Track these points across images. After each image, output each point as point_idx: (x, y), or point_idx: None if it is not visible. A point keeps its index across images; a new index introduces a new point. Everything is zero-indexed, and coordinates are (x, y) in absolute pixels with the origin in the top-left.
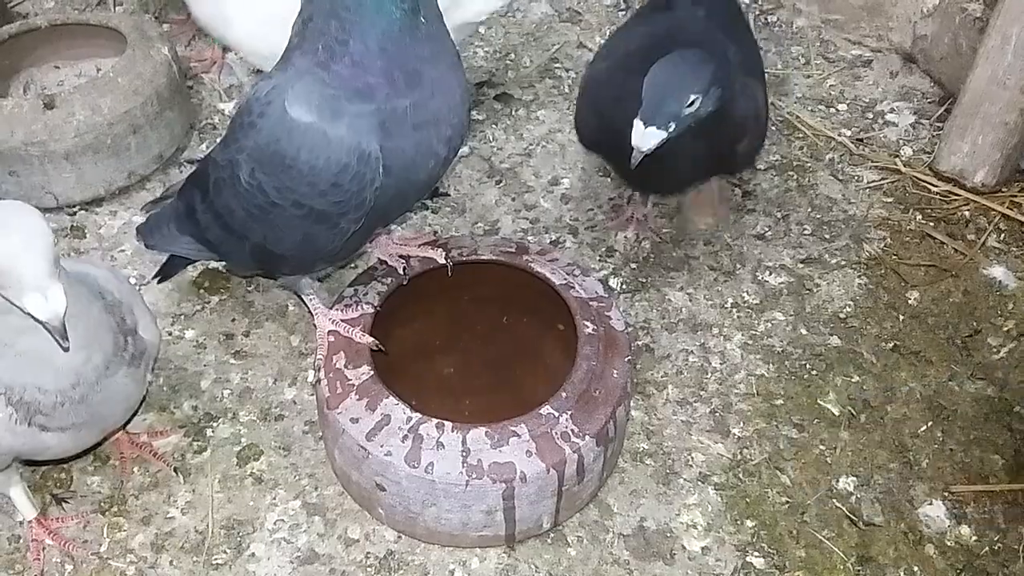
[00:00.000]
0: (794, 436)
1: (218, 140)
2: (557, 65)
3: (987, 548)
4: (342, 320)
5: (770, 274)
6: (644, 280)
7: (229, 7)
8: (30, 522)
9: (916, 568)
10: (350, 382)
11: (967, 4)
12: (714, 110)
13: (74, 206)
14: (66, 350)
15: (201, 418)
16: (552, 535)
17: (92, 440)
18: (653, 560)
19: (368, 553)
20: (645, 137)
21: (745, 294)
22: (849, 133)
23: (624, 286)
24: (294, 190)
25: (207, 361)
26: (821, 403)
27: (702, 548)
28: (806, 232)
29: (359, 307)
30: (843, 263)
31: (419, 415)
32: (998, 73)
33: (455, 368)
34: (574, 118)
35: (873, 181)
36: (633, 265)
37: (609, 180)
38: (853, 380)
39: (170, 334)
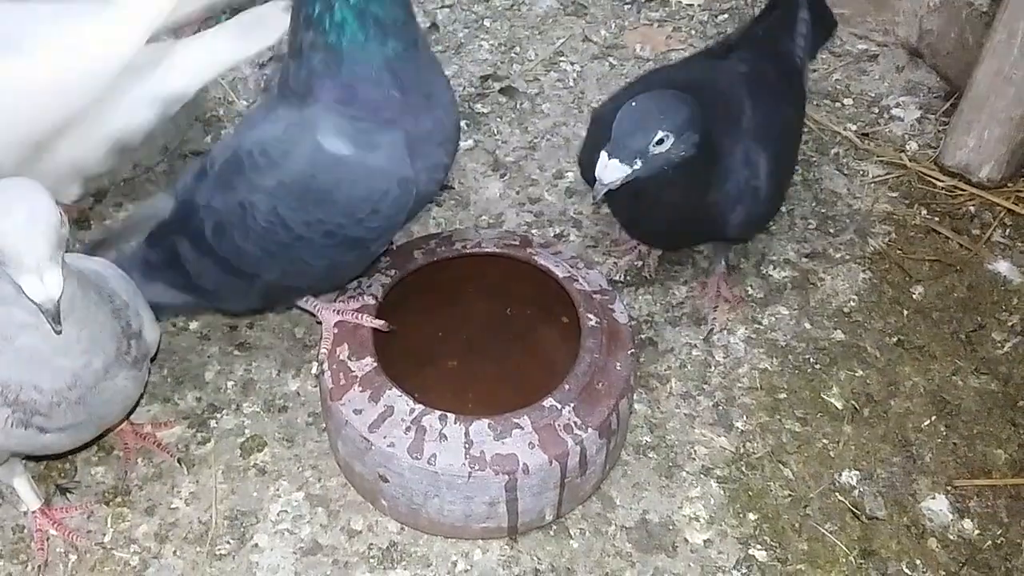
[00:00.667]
0: (797, 430)
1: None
2: (562, 59)
3: (990, 542)
4: (347, 309)
5: (774, 268)
6: (647, 274)
7: None
8: (34, 512)
9: (918, 562)
10: (353, 373)
11: None
12: (690, 157)
13: (75, 200)
14: (58, 333)
15: (205, 409)
16: (554, 527)
17: (90, 436)
18: (655, 552)
19: (371, 544)
20: (608, 170)
21: (749, 288)
22: (855, 127)
23: (627, 279)
24: (327, 221)
25: (211, 352)
26: (824, 397)
27: (704, 541)
28: (811, 226)
29: (362, 299)
30: (847, 257)
31: (422, 407)
32: (1004, 68)
33: (458, 360)
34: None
35: (878, 176)
36: (638, 262)
37: None
38: (857, 374)
39: (174, 325)
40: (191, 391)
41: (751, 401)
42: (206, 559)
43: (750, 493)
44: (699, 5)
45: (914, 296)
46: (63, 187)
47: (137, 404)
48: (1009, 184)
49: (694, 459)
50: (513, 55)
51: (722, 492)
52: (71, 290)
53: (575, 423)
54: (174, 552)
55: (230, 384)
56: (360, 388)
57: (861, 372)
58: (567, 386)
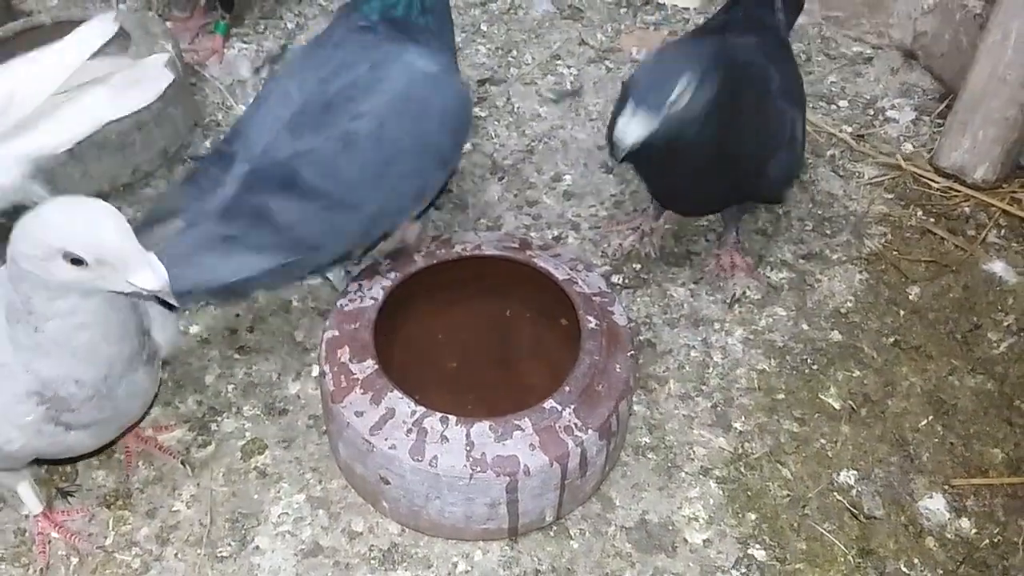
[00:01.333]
0: (795, 430)
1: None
2: (559, 62)
3: (987, 541)
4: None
5: (771, 269)
6: (646, 276)
7: None
8: (36, 516)
9: (916, 560)
10: (354, 376)
11: (967, 0)
12: (721, 105)
13: None
14: (175, 309)
15: (205, 413)
16: (555, 528)
17: (109, 437)
18: (655, 553)
19: (372, 546)
20: (634, 123)
21: (747, 289)
22: (850, 129)
23: (626, 281)
24: (426, 133)
25: (211, 356)
26: (822, 397)
27: (704, 541)
28: (807, 228)
29: (363, 301)
30: (844, 259)
31: (423, 409)
32: (998, 69)
33: (459, 362)
34: (607, 126)
35: (874, 177)
36: (636, 264)
37: (611, 177)
38: (854, 375)
39: None
40: (192, 395)
41: (749, 402)
42: (207, 561)
43: (749, 493)
44: (694, 8)
45: (910, 297)
46: None
47: (151, 405)
48: (1004, 185)
49: (693, 460)
50: (510, 59)
51: (721, 492)
52: None
53: (575, 425)
54: (175, 554)
55: (230, 387)
56: (361, 390)
57: (858, 372)
58: (567, 388)
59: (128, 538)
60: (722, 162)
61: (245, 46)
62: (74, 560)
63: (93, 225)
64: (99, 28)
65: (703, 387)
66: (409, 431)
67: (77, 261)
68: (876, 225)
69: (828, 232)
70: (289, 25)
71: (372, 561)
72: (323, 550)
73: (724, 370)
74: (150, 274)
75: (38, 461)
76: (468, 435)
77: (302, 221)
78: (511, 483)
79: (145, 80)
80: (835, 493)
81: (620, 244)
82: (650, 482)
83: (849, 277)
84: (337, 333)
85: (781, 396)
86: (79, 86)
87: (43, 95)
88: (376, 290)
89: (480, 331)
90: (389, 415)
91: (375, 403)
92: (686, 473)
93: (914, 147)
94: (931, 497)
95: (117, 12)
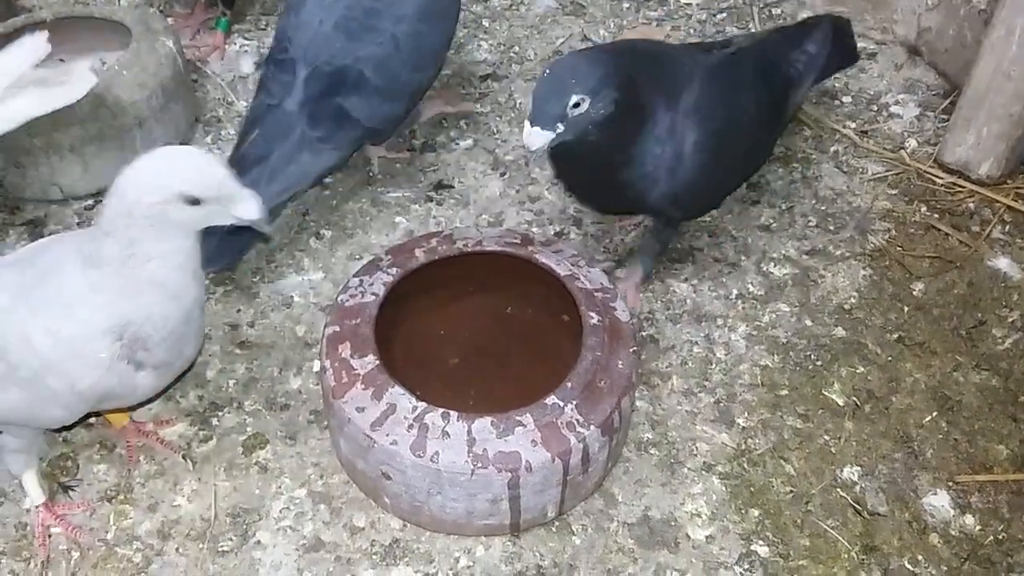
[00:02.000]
0: (799, 426)
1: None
2: None
3: (991, 537)
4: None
5: (775, 265)
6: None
7: None
8: (38, 507)
9: (920, 557)
10: (356, 371)
11: None
12: (614, 117)
13: (80, 198)
14: (268, 240)
15: (207, 407)
16: (557, 524)
17: (167, 381)
18: (658, 549)
19: (373, 541)
20: (532, 137)
21: (750, 285)
22: (854, 125)
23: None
24: (446, 30)
25: (212, 351)
26: (826, 393)
27: (706, 537)
28: (811, 224)
29: (364, 297)
30: (848, 254)
31: (425, 404)
32: (1003, 64)
33: (460, 358)
34: None
35: (878, 173)
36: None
37: None
38: (858, 371)
39: None
40: (193, 389)
41: (752, 398)
42: (208, 556)
43: (752, 489)
44: (697, 4)
45: (914, 293)
46: None
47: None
48: (1008, 181)
49: (696, 456)
50: (512, 54)
51: (724, 488)
52: None
53: (578, 421)
54: (176, 549)
55: (232, 382)
56: (362, 386)
57: (862, 369)
58: (569, 384)
59: (129, 532)
60: (608, 171)
61: (246, 42)
62: (75, 554)
63: (204, 168)
64: (32, 47)
65: (706, 383)
66: (410, 427)
67: (194, 201)
68: (880, 221)
69: (832, 228)
70: None
71: (373, 556)
72: (324, 545)
73: (727, 366)
74: (253, 205)
75: (59, 431)
76: (470, 431)
77: (372, 115)
78: (513, 479)
79: (70, 82)
80: (839, 489)
81: (622, 240)
82: (652, 478)
83: (853, 273)
84: (338, 328)
85: (784, 392)
86: (10, 87)
87: None
88: (377, 286)
89: (481, 327)
90: (390, 411)
91: (376, 399)
92: (689, 469)
93: (918, 143)
94: (935, 493)
95: (118, 7)
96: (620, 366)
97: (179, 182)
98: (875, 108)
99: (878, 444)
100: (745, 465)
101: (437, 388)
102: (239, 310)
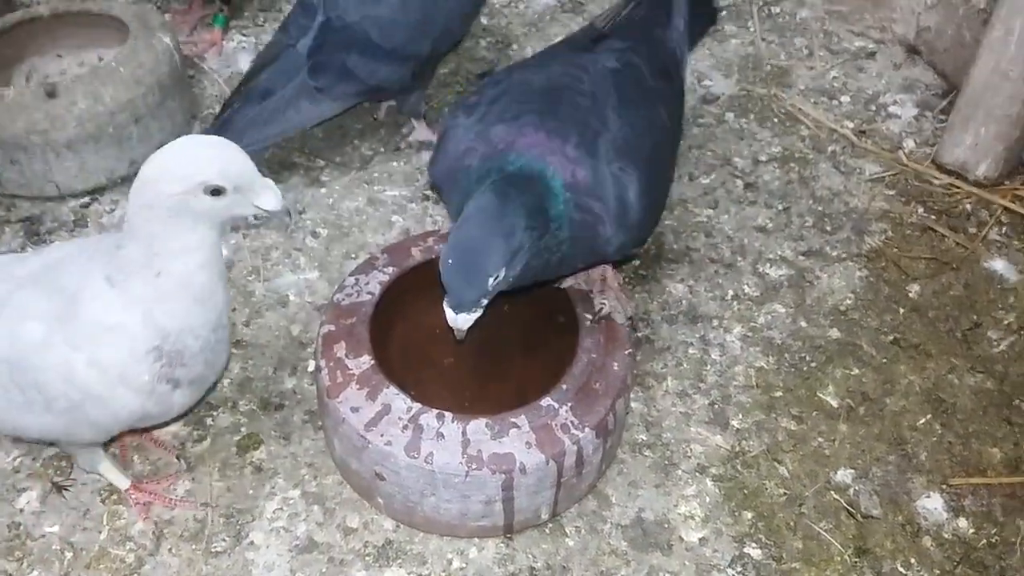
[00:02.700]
0: (793, 428)
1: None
2: None
3: (984, 541)
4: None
5: (770, 266)
6: (644, 272)
7: None
8: (127, 491)
9: (913, 560)
10: (350, 371)
11: None
12: (538, 253)
13: (76, 195)
14: (290, 229)
15: (201, 407)
16: (550, 526)
17: (199, 396)
18: (651, 551)
19: (367, 542)
20: (459, 321)
21: (745, 286)
22: (851, 125)
23: (624, 278)
24: None
25: None
26: (820, 395)
27: (700, 539)
28: (807, 224)
29: (359, 296)
30: (844, 256)
31: (419, 405)
32: (1001, 65)
33: (455, 359)
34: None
35: (875, 173)
36: (635, 261)
37: None
38: (852, 373)
39: None
40: None
41: (747, 399)
42: (202, 556)
43: (745, 491)
44: None
45: (910, 294)
46: None
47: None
48: (1006, 182)
49: (690, 457)
50: (511, 52)
51: (717, 490)
52: None
53: (572, 423)
54: (169, 549)
55: (226, 382)
56: (357, 386)
57: (857, 370)
58: (564, 386)
59: (123, 533)
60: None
61: (244, 38)
62: (68, 555)
63: (227, 157)
64: None
65: (701, 384)
66: (405, 427)
67: (216, 191)
68: (876, 222)
69: (828, 229)
70: None
71: (367, 557)
72: (318, 546)
73: (722, 367)
74: (273, 196)
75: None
76: (464, 432)
77: (372, 73)
78: (507, 481)
79: None
80: (832, 492)
81: None
82: (646, 480)
83: (849, 274)
84: (333, 328)
85: (779, 394)
86: None
87: None
88: (373, 285)
89: (477, 328)
90: (385, 411)
91: (371, 399)
92: (683, 471)
93: (916, 143)
94: (929, 496)
95: (115, 3)
96: (615, 368)
97: (202, 171)
98: (873, 108)
99: (872, 446)
100: (739, 467)
101: (432, 388)
102: (234, 309)
